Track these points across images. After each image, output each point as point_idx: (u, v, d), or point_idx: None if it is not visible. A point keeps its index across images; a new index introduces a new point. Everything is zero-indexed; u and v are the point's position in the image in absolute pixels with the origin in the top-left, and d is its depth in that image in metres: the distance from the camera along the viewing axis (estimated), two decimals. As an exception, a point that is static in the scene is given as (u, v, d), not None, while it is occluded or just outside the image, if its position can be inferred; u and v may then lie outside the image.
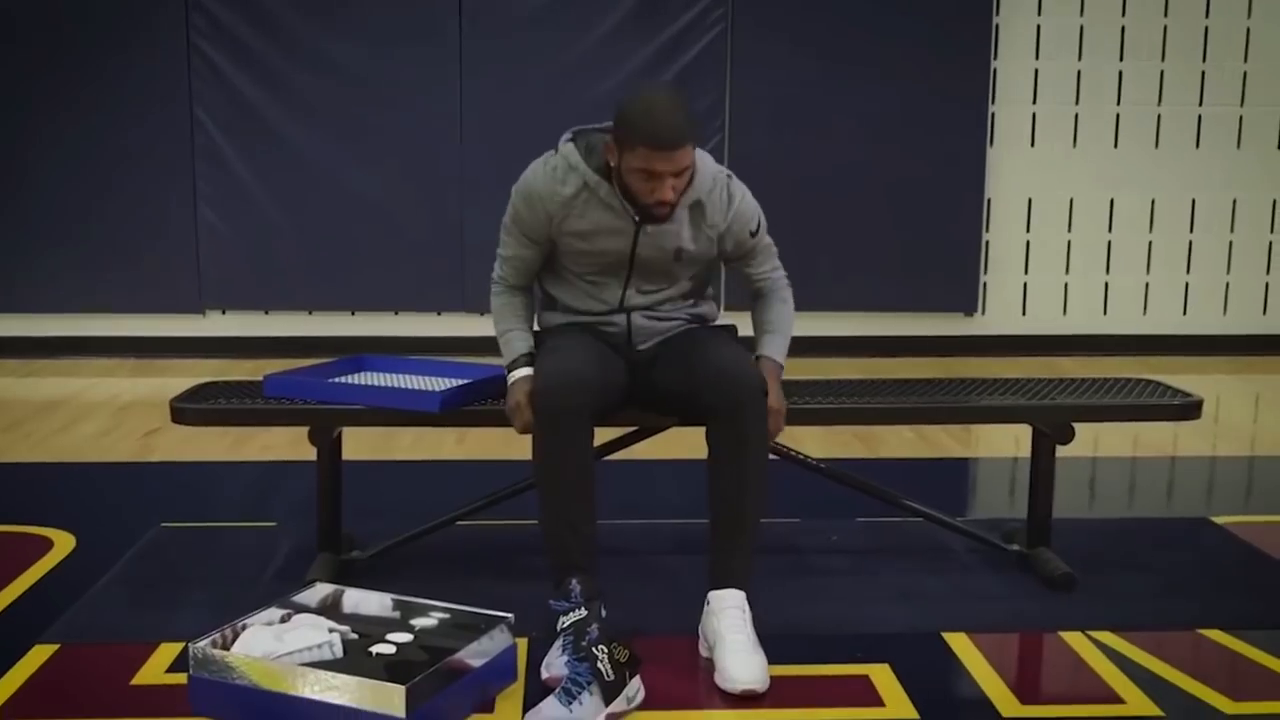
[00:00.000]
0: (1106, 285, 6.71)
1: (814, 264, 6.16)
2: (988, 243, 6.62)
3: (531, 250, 2.91)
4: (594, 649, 2.36)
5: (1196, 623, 2.88)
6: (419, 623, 2.58)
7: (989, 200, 6.57)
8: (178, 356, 6.32)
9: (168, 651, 2.66)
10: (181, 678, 2.45)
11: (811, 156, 6.35)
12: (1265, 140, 6.61)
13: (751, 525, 2.71)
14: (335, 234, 6.35)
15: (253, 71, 6.19)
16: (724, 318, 3.14)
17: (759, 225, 2.93)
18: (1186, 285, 6.73)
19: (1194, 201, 6.65)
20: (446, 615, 2.60)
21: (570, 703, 2.31)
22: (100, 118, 6.20)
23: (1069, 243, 6.67)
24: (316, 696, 2.29)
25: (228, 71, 6.18)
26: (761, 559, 2.74)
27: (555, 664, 2.48)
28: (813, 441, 3.94)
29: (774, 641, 2.60)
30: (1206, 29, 6.50)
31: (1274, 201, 6.67)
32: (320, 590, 2.73)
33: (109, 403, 5.36)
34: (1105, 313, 6.72)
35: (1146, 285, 6.72)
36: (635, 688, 2.42)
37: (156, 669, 2.61)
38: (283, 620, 2.55)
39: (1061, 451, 3.16)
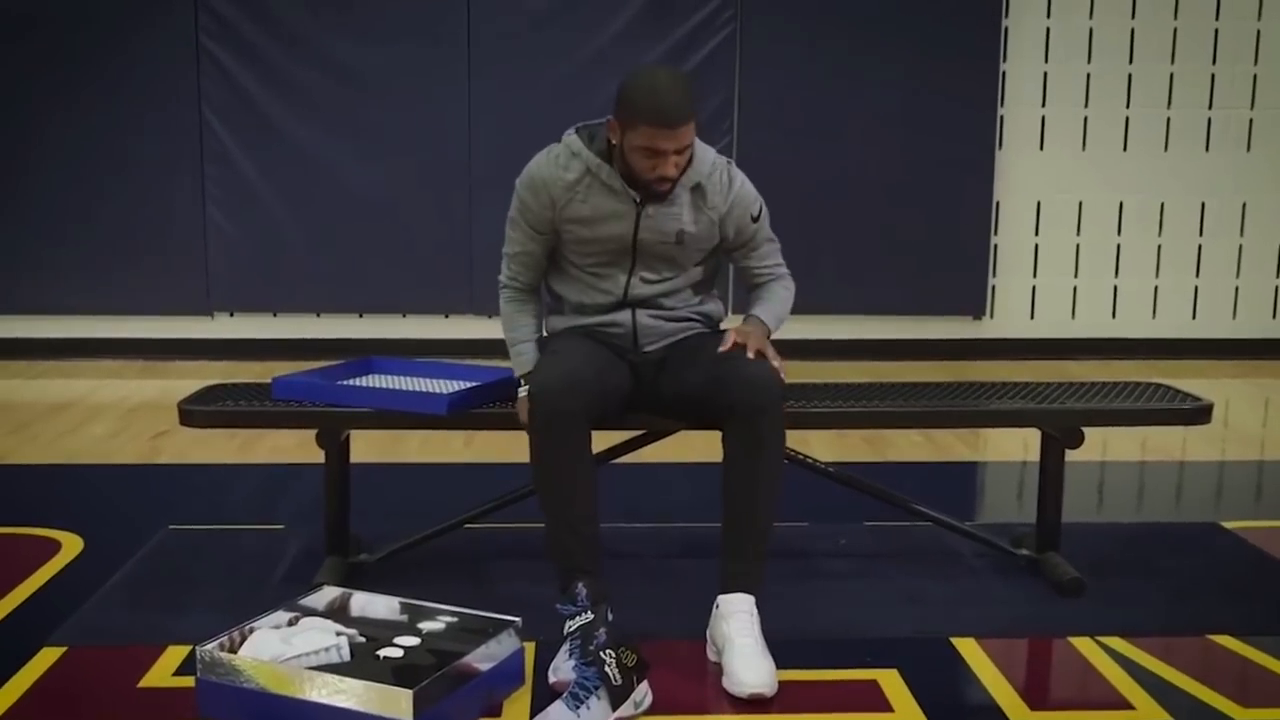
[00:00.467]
0: (1115, 289, 6.69)
1: (822, 266, 6.17)
2: (996, 246, 6.61)
3: (538, 243, 2.91)
4: (602, 653, 2.35)
5: (1206, 628, 2.86)
6: (426, 626, 2.58)
7: (998, 203, 6.56)
8: (186, 358, 6.33)
9: (175, 654, 2.66)
10: (189, 680, 2.45)
11: (820, 158, 6.34)
12: (1275, 143, 6.58)
13: (762, 529, 2.71)
14: (343, 236, 6.35)
15: (261, 73, 6.20)
16: (730, 321, 3.13)
17: (760, 211, 2.94)
18: (1196, 289, 6.71)
19: (1203, 205, 6.63)
20: (454, 619, 2.60)
21: (578, 707, 2.30)
22: (109, 119, 6.21)
23: (1078, 246, 6.65)
24: (324, 700, 2.29)
25: (236, 73, 6.19)
26: (769, 563, 2.73)
27: (563, 668, 2.48)
28: (821, 445, 3.93)
29: (782, 646, 2.59)
30: (1216, 31, 6.48)
31: (1285, 204, 6.67)
32: (328, 593, 2.73)
33: (117, 405, 5.37)
34: (1114, 316, 6.70)
35: (1156, 289, 6.70)
36: (643, 692, 2.42)
37: (164, 672, 2.61)
38: (290, 623, 2.56)
39: (1070, 456, 3.15)
